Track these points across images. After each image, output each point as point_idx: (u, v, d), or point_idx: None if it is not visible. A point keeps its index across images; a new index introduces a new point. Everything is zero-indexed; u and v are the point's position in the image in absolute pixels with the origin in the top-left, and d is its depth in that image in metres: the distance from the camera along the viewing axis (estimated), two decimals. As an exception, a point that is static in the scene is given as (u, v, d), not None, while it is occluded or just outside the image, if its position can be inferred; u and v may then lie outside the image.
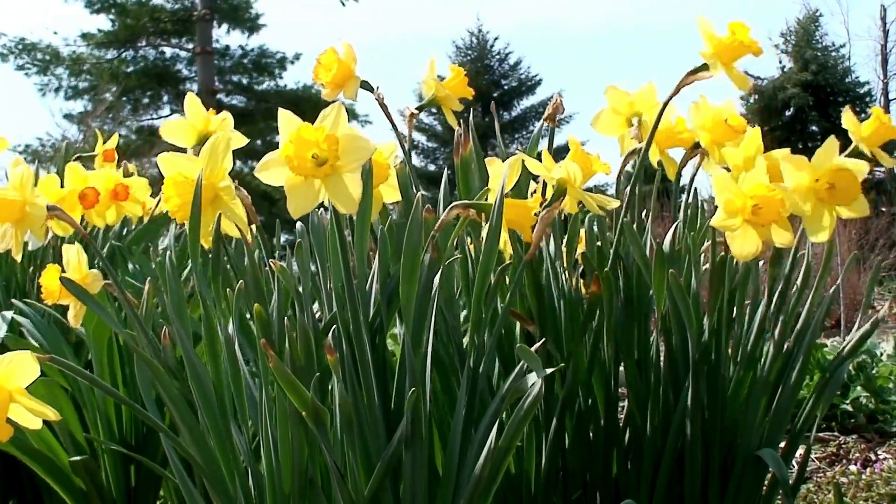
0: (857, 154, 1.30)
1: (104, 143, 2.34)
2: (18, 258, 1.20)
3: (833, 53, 17.03)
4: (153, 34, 18.08)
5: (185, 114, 1.44)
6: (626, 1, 36.91)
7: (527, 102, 19.01)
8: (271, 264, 1.20)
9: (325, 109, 1.03)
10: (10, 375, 0.96)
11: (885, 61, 17.34)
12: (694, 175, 1.42)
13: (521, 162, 1.21)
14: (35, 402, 0.97)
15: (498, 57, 18.88)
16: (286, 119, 1.03)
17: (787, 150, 1.23)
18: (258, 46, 18.38)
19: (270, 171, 1.03)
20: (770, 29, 17.82)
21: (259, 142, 16.55)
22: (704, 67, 1.31)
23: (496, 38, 18.98)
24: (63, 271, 1.33)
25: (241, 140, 1.46)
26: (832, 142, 1.19)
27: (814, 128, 16.27)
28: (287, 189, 1.03)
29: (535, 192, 1.41)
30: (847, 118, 1.30)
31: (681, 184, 1.49)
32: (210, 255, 1.19)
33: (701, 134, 1.33)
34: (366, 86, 1.45)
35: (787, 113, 15.96)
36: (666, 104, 1.35)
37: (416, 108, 1.53)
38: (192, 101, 1.44)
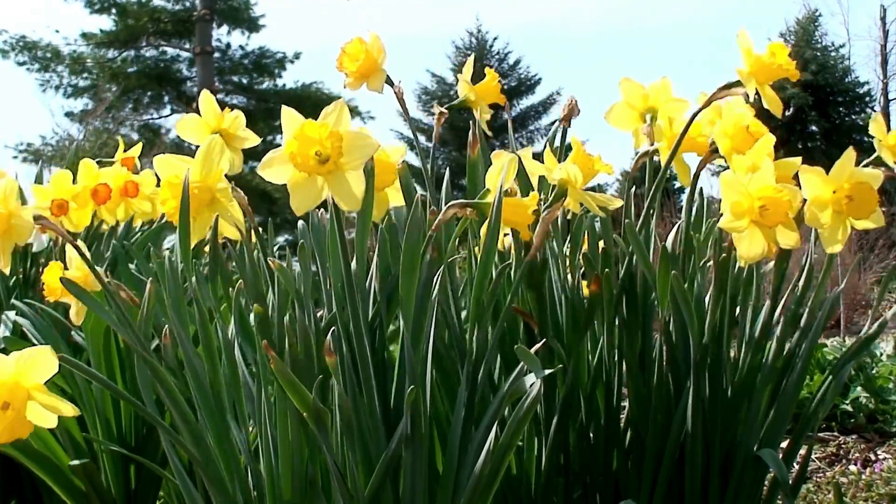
0: (880, 163, 1.29)
1: (125, 150, 2.34)
2: (7, 270, 1.21)
3: (833, 53, 17.03)
4: (153, 34, 18.08)
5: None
6: (626, 1, 36.91)
7: (526, 102, 19.01)
8: (270, 263, 1.20)
9: (327, 107, 1.03)
10: (28, 371, 0.95)
11: (884, 61, 17.35)
12: (697, 174, 1.42)
13: (516, 163, 1.21)
14: (52, 397, 0.96)
15: (497, 57, 18.88)
16: (289, 116, 1.03)
17: (798, 160, 1.23)
18: (258, 47, 18.39)
19: (273, 169, 1.03)
20: (770, 29, 17.86)
21: (259, 141, 16.53)
22: (738, 83, 1.31)
23: (495, 38, 19.00)
24: (66, 269, 1.33)
25: (253, 139, 1.46)
26: (850, 154, 1.19)
27: (813, 128, 16.27)
28: (290, 186, 1.02)
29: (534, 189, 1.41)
30: (875, 126, 1.29)
31: (679, 183, 1.48)
32: (209, 257, 1.19)
33: (721, 140, 1.32)
34: (387, 80, 1.44)
35: (787, 113, 15.96)
36: (695, 116, 1.33)
37: (446, 108, 1.51)
38: (206, 98, 1.45)
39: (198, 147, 1.45)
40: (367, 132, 1.18)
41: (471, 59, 1.55)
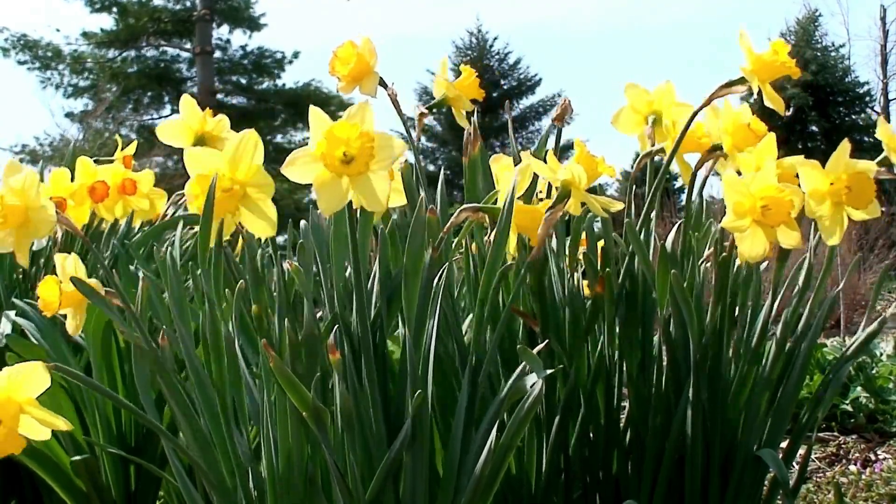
0: (888, 165, 1.30)
1: (122, 149, 2.34)
2: (26, 264, 1.18)
3: (833, 53, 17.03)
4: (154, 34, 18.10)
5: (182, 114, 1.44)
6: (626, 1, 36.90)
7: (526, 102, 19.03)
8: (287, 265, 1.20)
9: (351, 108, 1.03)
10: (19, 386, 0.96)
11: (884, 61, 17.35)
12: (705, 177, 1.42)
13: (530, 167, 1.21)
14: (45, 412, 0.97)
15: (497, 57, 18.89)
16: (317, 117, 1.03)
17: (800, 157, 1.24)
18: (258, 47, 18.41)
19: (297, 168, 1.03)
20: (770, 29, 17.86)
21: (259, 141, 16.51)
22: (739, 81, 1.31)
23: (495, 38, 19.01)
24: (59, 282, 1.31)
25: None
26: (845, 145, 1.20)
27: (813, 128, 16.26)
28: (316, 187, 1.03)
29: (540, 191, 1.41)
30: (881, 130, 1.30)
31: (679, 183, 1.49)
32: (213, 254, 1.19)
33: (723, 138, 1.33)
34: (380, 82, 1.43)
35: (787, 113, 15.91)
36: (695, 114, 1.33)
37: (426, 108, 1.52)
38: (187, 101, 1.44)
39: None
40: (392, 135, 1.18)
41: (445, 58, 1.57)
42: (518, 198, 1.21)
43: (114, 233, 2.05)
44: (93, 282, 1.31)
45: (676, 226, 1.38)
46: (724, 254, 1.29)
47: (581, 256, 1.38)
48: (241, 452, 1.14)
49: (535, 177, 1.36)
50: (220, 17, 18.25)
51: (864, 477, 2.15)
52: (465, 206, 1.18)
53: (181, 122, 1.43)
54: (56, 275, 1.32)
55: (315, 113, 1.03)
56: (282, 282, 1.18)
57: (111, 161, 2.17)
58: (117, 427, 1.64)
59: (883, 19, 17.43)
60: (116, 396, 1.27)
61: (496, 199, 1.22)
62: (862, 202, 1.20)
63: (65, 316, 1.36)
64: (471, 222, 1.19)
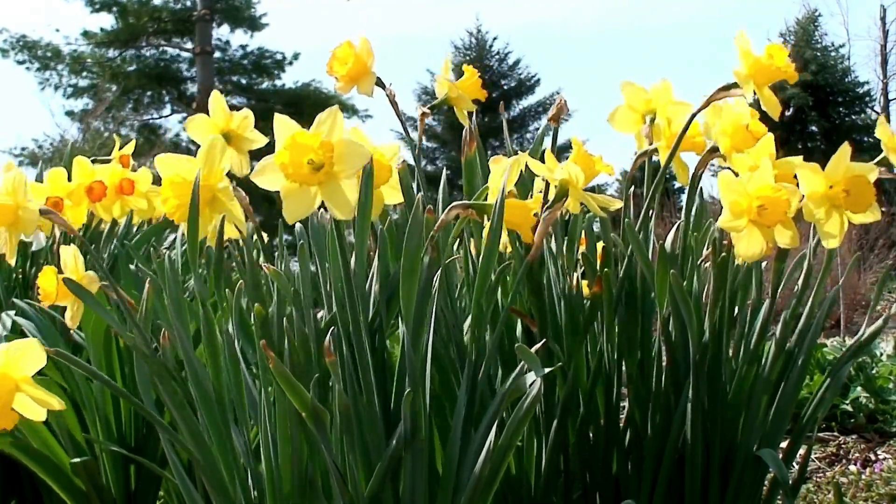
0: (887, 165, 1.30)
1: (120, 148, 2.34)
2: (13, 262, 1.20)
3: (833, 53, 17.02)
4: (154, 34, 18.11)
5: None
6: (626, 1, 36.89)
7: (526, 102, 19.01)
8: (264, 267, 1.20)
9: (321, 114, 1.01)
10: (15, 363, 0.96)
11: (884, 61, 17.35)
12: (699, 175, 1.42)
13: (521, 162, 1.21)
14: (40, 390, 0.96)
15: (497, 57, 18.88)
16: (282, 124, 1.01)
17: (799, 159, 1.23)
18: (258, 47, 18.40)
19: (266, 176, 1.02)
20: (770, 29, 17.86)
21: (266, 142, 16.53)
22: (736, 85, 1.31)
23: (495, 38, 18.99)
24: (60, 273, 1.32)
25: (261, 140, 1.46)
26: (845, 148, 1.19)
27: (813, 128, 16.26)
28: (283, 195, 1.01)
29: (541, 191, 1.41)
30: (881, 130, 1.30)
31: (679, 183, 1.49)
32: (214, 257, 1.19)
33: (721, 139, 1.32)
34: (378, 82, 1.43)
35: (787, 113, 15.95)
36: (693, 117, 1.33)
37: (428, 108, 1.52)
38: (216, 98, 1.45)
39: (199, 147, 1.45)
40: (360, 133, 1.17)
41: (447, 58, 1.56)
42: (512, 194, 1.21)
43: (113, 233, 2.05)
44: (90, 274, 1.32)
45: (676, 226, 1.38)
46: (723, 254, 1.29)
47: (580, 256, 1.38)
48: (241, 452, 1.15)
49: (531, 175, 1.36)
50: (221, 17, 18.25)
51: (864, 477, 2.15)
52: (455, 203, 1.18)
53: (208, 120, 1.44)
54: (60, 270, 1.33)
55: (279, 120, 1.01)
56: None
57: (110, 161, 2.17)
58: (117, 427, 1.65)
59: (883, 19, 17.43)
60: (115, 385, 1.27)
61: (486, 196, 1.21)
62: (861, 206, 1.20)
63: (64, 313, 1.37)
64: (462, 220, 1.19)
